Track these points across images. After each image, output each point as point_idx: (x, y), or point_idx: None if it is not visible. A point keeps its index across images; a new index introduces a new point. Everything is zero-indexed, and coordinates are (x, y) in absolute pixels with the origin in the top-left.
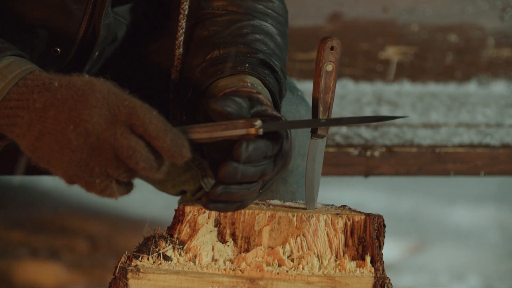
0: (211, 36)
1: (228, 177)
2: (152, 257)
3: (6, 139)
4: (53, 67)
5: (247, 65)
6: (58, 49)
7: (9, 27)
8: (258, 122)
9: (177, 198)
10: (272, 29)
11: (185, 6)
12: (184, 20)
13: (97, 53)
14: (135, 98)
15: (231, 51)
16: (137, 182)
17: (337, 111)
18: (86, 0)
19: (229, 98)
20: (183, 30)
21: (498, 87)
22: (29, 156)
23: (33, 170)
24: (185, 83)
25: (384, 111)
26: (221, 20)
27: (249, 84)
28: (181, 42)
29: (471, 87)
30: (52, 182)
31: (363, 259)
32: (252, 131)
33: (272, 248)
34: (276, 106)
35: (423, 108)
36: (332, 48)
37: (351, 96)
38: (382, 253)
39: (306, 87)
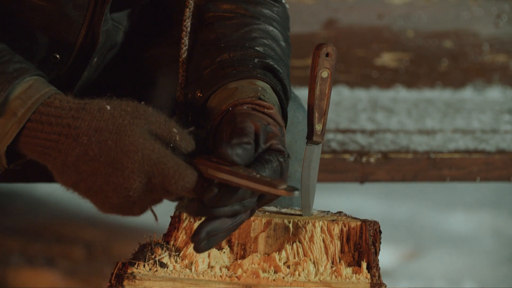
0: (220, 39)
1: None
2: (148, 264)
3: (18, 162)
4: (52, 74)
5: (259, 70)
6: (58, 56)
7: (9, 34)
8: (282, 187)
9: (173, 204)
10: (278, 34)
11: (190, 4)
12: (189, 21)
13: (95, 59)
14: (165, 156)
15: (241, 55)
16: None
17: (332, 118)
18: (86, 7)
19: (240, 146)
20: (188, 31)
21: (494, 93)
22: (66, 185)
23: (29, 177)
24: (191, 83)
25: (380, 117)
26: (230, 23)
27: (260, 88)
28: (186, 43)
29: (467, 93)
30: (48, 190)
31: (359, 265)
32: (273, 191)
33: (268, 255)
34: (284, 112)
35: (418, 114)
36: (327, 55)
37: (346, 102)
38: (378, 259)
39: (301, 93)
